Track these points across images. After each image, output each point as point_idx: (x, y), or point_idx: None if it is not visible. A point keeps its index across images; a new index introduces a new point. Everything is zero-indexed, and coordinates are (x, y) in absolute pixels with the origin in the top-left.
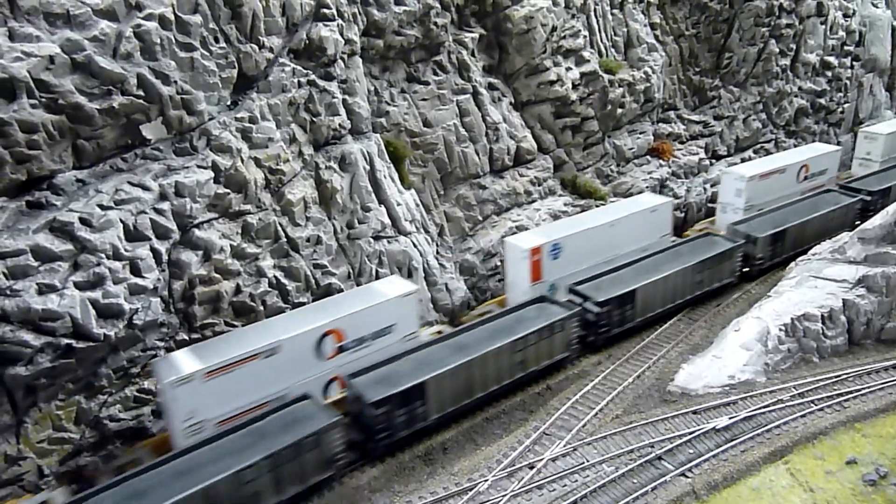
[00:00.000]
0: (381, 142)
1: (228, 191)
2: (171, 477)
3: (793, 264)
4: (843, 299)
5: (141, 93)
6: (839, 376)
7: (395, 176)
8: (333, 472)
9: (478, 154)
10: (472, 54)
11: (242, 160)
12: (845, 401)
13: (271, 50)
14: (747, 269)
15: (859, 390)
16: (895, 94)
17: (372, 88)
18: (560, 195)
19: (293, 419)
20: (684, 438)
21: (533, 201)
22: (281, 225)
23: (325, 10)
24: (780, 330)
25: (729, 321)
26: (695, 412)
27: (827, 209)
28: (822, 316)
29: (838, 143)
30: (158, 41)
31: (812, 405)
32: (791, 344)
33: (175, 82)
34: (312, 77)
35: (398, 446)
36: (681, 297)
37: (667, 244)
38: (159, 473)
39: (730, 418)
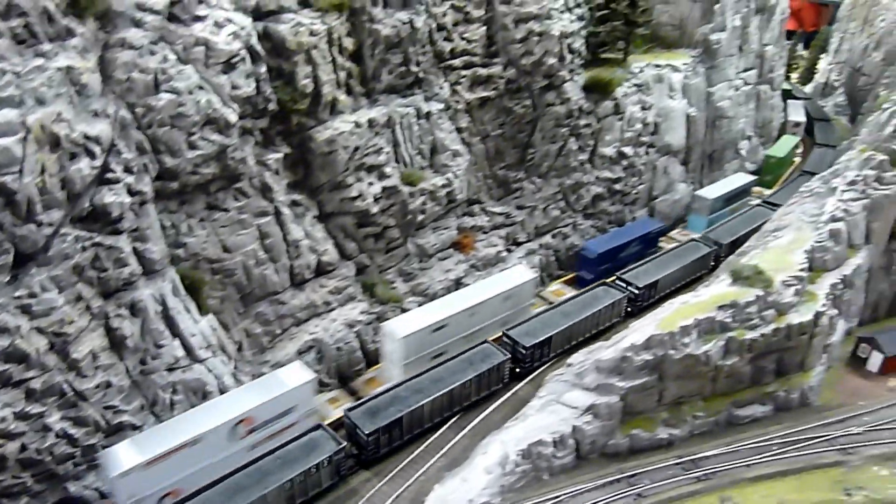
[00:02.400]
0: (176, 278)
1: (8, 366)
2: (430, 382)
3: (548, 378)
4: (573, 425)
5: None
6: (558, 497)
7: (193, 306)
8: (501, 386)
9: (277, 272)
10: (277, 172)
11: (22, 335)
12: None
13: (51, 224)
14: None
15: None
16: (690, 167)
17: (168, 224)
18: (360, 300)
19: (485, 355)
20: None
21: (332, 310)
22: (68, 381)
23: (110, 175)
24: (518, 454)
25: (492, 428)
26: None
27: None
28: (555, 441)
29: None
30: None
31: None
32: (526, 466)
33: None
34: (98, 239)
35: (532, 370)
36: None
37: None
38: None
39: None
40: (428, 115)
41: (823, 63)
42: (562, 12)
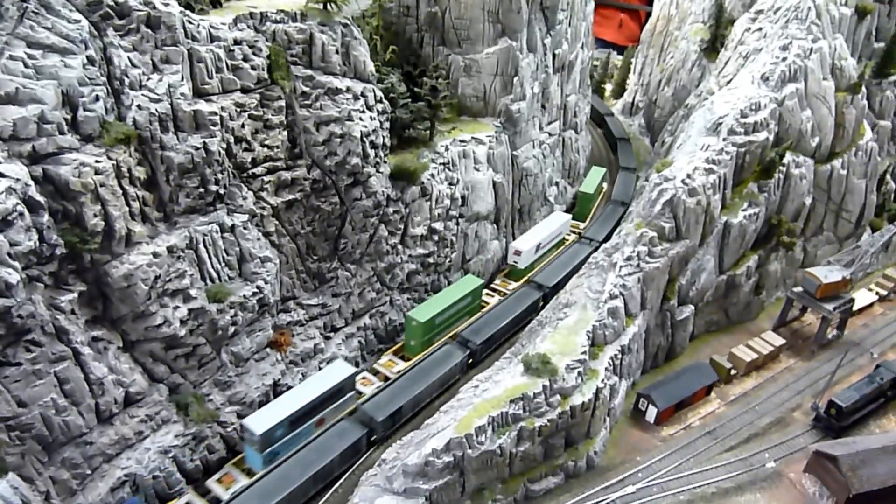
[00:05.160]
0: None
1: None
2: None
3: (362, 479)
4: None
5: None
6: None
7: None
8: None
9: (82, 415)
10: (73, 312)
11: None
12: None
13: None
14: None
15: None
16: (501, 225)
17: None
18: (174, 422)
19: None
20: None
21: (144, 438)
22: None
23: None
24: None
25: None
26: None
27: None
28: None
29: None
30: None
31: None
32: None
33: None
34: None
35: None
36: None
37: None
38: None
39: None
40: (233, 227)
41: (631, 81)
42: (362, 112)
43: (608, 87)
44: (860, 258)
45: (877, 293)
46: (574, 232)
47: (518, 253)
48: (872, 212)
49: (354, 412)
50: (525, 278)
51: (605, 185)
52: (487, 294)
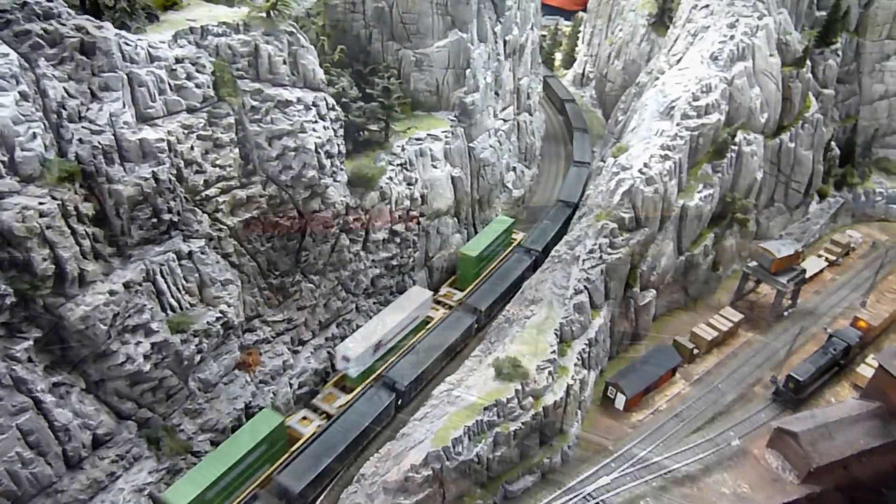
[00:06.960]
0: None
1: None
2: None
3: (343, 496)
4: None
5: None
6: None
7: None
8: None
9: (50, 464)
10: (30, 360)
11: None
12: None
13: None
14: None
15: None
16: (461, 218)
17: None
18: (146, 458)
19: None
20: None
21: (117, 479)
22: None
23: None
24: None
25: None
26: None
27: None
28: None
29: (413, 283)
30: None
31: None
32: None
33: None
34: None
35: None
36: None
37: None
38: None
39: None
40: (190, 254)
41: (580, 51)
42: (314, 123)
43: (558, 57)
44: (809, 232)
45: (826, 259)
46: (438, 303)
47: (346, 359)
48: (820, 180)
49: None
50: (372, 378)
51: (513, 236)
52: (303, 420)
